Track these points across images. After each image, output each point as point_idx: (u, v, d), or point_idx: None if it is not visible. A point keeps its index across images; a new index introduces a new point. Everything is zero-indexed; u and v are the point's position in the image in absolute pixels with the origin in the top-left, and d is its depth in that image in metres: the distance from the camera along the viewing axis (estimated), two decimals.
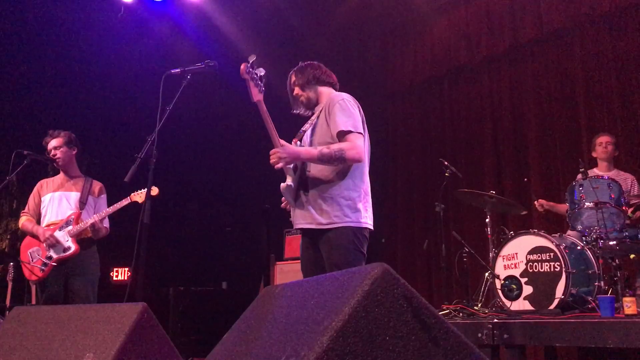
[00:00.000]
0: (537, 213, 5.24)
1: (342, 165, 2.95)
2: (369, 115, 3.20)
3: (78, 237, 4.25)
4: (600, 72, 5.86)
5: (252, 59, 2.90)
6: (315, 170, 2.99)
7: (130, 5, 7.34)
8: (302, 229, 3.06)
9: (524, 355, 3.46)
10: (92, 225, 4.21)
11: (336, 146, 2.89)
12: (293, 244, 6.58)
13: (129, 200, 4.28)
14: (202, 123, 8.22)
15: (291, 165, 3.01)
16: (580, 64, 6.04)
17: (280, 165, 2.89)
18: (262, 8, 7.45)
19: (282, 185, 3.03)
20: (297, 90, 3.25)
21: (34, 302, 5.63)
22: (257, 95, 2.95)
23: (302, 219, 3.01)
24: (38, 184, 4.51)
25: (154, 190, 4.23)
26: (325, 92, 3.22)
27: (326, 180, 2.96)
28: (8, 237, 7.71)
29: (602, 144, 4.90)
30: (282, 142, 2.96)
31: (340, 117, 2.94)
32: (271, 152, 2.89)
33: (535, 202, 5.08)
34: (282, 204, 3.23)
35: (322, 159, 2.88)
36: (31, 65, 7.45)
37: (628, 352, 3.64)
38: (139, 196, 4.27)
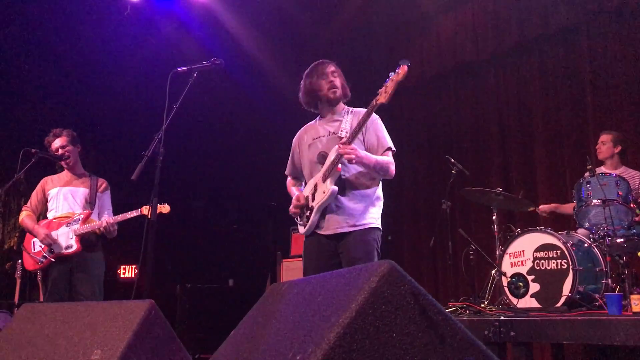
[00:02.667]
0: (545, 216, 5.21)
1: (375, 174, 3.17)
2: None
3: (82, 237, 4.28)
4: (608, 68, 5.82)
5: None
6: (353, 177, 3.16)
7: (137, 3, 7.35)
8: (333, 234, 3.12)
9: (530, 352, 3.46)
10: (105, 228, 4.24)
11: (386, 159, 3.16)
12: (299, 242, 6.58)
13: (139, 213, 4.28)
14: (209, 121, 8.24)
15: (341, 171, 3.11)
16: (587, 60, 6.00)
17: (353, 160, 2.99)
18: (268, 6, 7.45)
19: (334, 188, 3.07)
20: (340, 81, 3.31)
21: (42, 299, 5.66)
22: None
23: (339, 223, 3.11)
24: (43, 180, 4.54)
25: (165, 208, 4.29)
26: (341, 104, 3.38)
27: (363, 186, 3.17)
28: (16, 234, 7.76)
29: (598, 144, 4.89)
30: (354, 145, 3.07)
31: (386, 134, 3.24)
32: (349, 147, 2.99)
33: (538, 209, 5.06)
34: (296, 210, 3.25)
35: (376, 168, 3.12)
36: (38, 64, 7.47)
37: (635, 350, 3.63)
38: (149, 210, 4.28)
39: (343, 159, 2.99)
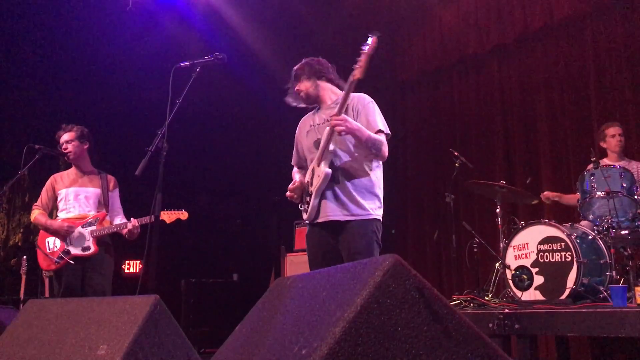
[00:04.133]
0: (548, 203, 5.21)
1: (368, 161, 3.13)
2: (377, 105, 3.22)
3: (99, 238, 4.25)
4: (612, 60, 5.80)
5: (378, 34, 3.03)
6: (346, 164, 3.12)
7: None
8: (326, 222, 3.09)
9: (535, 345, 3.46)
10: (130, 231, 4.19)
11: (378, 137, 3.07)
12: (303, 236, 6.57)
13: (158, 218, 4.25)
14: (212, 116, 8.24)
15: (332, 152, 3.10)
16: (591, 52, 5.97)
17: (343, 131, 2.96)
18: (270, 0, 7.44)
19: (327, 171, 3.05)
20: (298, 86, 3.32)
21: (47, 294, 5.69)
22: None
23: (333, 211, 3.08)
24: (52, 178, 4.47)
25: (184, 215, 4.30)
26: (329, 87, 3.32)
27: (357, 174, 3.12)
28: (21, 230, 7.79)
29: (615, 136, 4.81)
30: (344, 115, 3.04)
31: (377, 117, 3.16)
32: (339, 117, 2.97)
33: (542, 195, 5.06)
34: (290, 193, 3.24)
35: (367, 143, 3.04)
36: (40, 60, 7.48)
37: None
38: (167, 216, 4.29)
39: (335, 129, 2.96)
